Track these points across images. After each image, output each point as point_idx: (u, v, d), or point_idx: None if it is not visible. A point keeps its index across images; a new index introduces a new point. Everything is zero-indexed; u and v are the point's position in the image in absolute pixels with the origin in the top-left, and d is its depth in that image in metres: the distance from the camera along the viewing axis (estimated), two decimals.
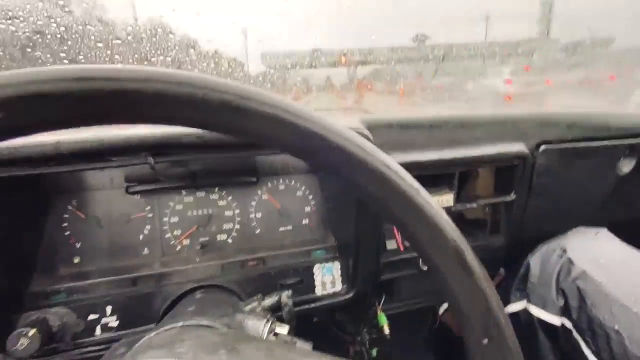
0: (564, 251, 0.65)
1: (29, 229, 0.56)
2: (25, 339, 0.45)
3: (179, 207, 0.65)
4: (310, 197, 0.73)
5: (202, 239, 0.66)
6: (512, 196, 0.76)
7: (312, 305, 0.64)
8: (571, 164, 0.80)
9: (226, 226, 0.68)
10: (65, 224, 0.59)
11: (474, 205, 0.73)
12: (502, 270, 0.91)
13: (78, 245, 0.60)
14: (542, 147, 0.76)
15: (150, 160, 0.45)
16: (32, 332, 0.46)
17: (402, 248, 0.69)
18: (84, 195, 0.60)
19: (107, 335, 0.53)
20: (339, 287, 0.67)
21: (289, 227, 0.71)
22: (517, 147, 0.74)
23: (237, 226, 0.68)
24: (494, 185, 0.80)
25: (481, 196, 0.76)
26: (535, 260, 0.70)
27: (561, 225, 0.81)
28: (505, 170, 0.77)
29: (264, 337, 0.39)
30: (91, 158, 0.45)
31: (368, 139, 0.56)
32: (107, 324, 0.53)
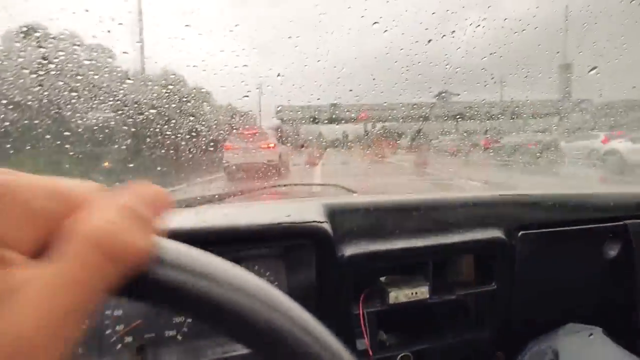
0: (556, 355, 0.58)
1: None
2: None
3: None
4: (276, 283, 0.67)
5: (147, 336, 0.59)
6: (493, 285, 0.71)
7: None
8: (554, 250, 0.76)
9: (176, 319, 0.61)
10: None
11: (452, 296, 0.67)
12: None
13: None
14: (521, 233, 0.73)
15: None
16: None
17: (371, 352, 0.61)
18: None
19: None
20: None
21: None
22: (493, 234, 0.70)
23: (190, 320, 0.61)
24: (468, 272, 0.75)
25: (460, 285, 0.71)
26: None
27: (551, 315, 0.74)
28: (485, 257, 0.72)
29: None
30: None
31: (321, 232, 0.53)
32: None
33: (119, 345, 0.58)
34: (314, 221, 0.53)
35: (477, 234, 0.69)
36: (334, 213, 0.61)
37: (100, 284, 0.19)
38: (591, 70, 1.36)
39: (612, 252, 0.83)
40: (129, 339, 0.58)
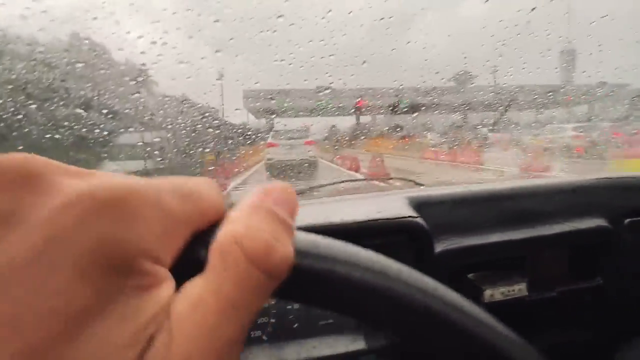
0: None
1: None
2: None
3: None
4: None
5: None
6: (599, 280, 0.63)
7: None
8: None
9: (260, 320, 0.60)
10: None
11: (553, 293, 0.61)
12: None
13: None
14: (628, 220, 0.64)
15: None
16: None
17: None
18: None
19: None
20: None
21: (331, 320, 0.62)
22: (597, 222, 0.63)
23: (273, 320, 0.60)
24: (568, 266, 0.67)
25: (559, 280, 0.64)
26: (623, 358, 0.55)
27: None
28: (586, 249, 0.65)
29: None
30: None
31: (419, 227, 0.49)
32: None
33: None
34: (409, 216, 0.49)
35: (578, 224, 0.62)
36: (419, 207, 0.56)
37: (259, 305, 0.16)
38: None
39: None
40: None
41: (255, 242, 0.16)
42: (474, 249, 0.56)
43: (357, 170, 6.20)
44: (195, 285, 0.15)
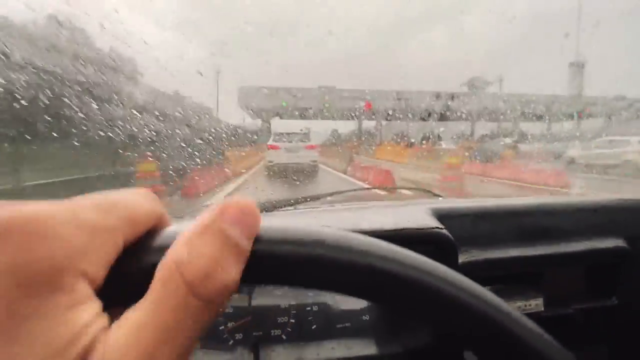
0: None
1: None
2: None
3: (234, 296, 0.62)
4: None
5: (254, 334, 0.61)
6: (614, 301, 0.64)
7: None
8: None
9: (280, 319, 0.62)
10: None
11: (570, 310, 0.62)
12: None
13: None
14: None
15: None
16: None
17: None
18: None
19: None
20: None
21: (347, 324, 0.64)
22: (615, 242, 0.63)
23: (292, 320, 0.63)
24: (585, 284, 0.68)
25: (575, 298, 0.65)
26: None
27: None
28: (603, 268, 0.66)
29: None
30: None
31: (444, 238, 0.51)
32: None
33: (231, 341, 0.60)
34: (435, 227, 0.51)
35: (596, 243, 0.63)
36: (441, 218, 0.58)
37: (197, 330, 0.16)
38: None
39: None
40: (239, 336, 0.61)
41: (195, 269, 0.16)
42: (494, 261, 0.57)
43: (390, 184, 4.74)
44: (135, 310, 0.15)
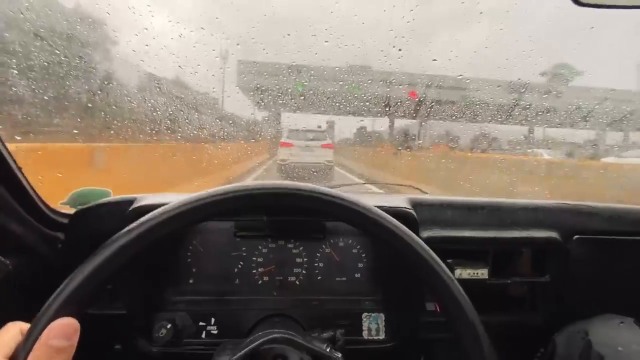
0: (586, 334, 0.71)
1: (167, 256, 0.81)
2: (164, 329, 0.67)
3: (265, 250, 0.87)
4: (364, 255, 0.90)
5: (277, 278, 0.85)
6: (547, 278, 0.85)
7: (359, 346, 0.77)
8: (609, 256, 0.87)
9: (296, 270, 0.87)
10: (188, 254, 0.84)
11: (508, 281, 0.83)
12: None
13: (194, 270, 0.84)
14: (576, 237, 0.85)
15: (265, 218, 0.68)
16: (168, 325, 0.68)
17: (438, 309, 0.80)
18: (204, 236, 0.85)
19: (209, 340, 0.73)
20: (382, 335, 0.80)
21: (344, 278, 0.88)
22: (550, 234, 0.84)
23: (304, 272, 0.87)
24: (524, 264, 0.89)
25: (517, 274, 0.86)
26: (560, 340, 0.75)
27: (598, 311, 0.85)
28: (542, 253, 0.86)
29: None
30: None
31: (410, 215, 0.74)
32: (210, 331, 0.74)
33: (260, 282, 0.85)
34: (405, 207, 0.74)
35: (534, 233, 0.84)
36: (415, 205, 0.81)
37: None
38: None
39: None
40: (266, 278, 0.86)
41: None
42: (451, 238, 0.80)
43: None
44: None
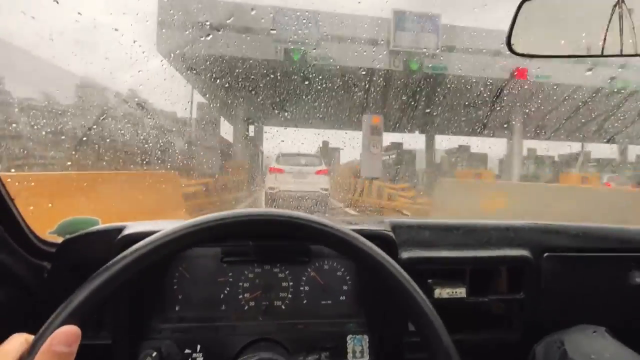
0: (562, 343, 0.75)
1: (153, 283, 0.82)
2: (150, 358, 0.67)
3: (251, 275, 0.88)
4: (348, 278, 0.92)
5: (263, 303, 0.87)
6: (522, 295, 0.89)
7: None
8: (578, 272, 0.92)
9: (282, 294, 0.89)
10: (174, 280, 0.85)
11: (485, 299, 0.87)
12: None
13: (180, 297, 0.85)
14: (546, 254, 0.90)
15: (250, 243, 0.71)
16: (154, 354, 0.68)
17: None
18: (190, 262, 0.87)
19: None
20: (366, 357, 0.81)
21: (329, 301, 0.90)
22: (522, 253, 0.89)
23: (290, 296, 0.89)
24: (499, 282, 0.93)
25: (493, 292, 0.90)
26: (539, 350, 0.79)
27: (572, 323, 0.89)
28: (516, 271, 0.91)
29: None
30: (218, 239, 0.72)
31: (389, 237, 0.78)
32: (196, 358, 0.74)
33: (246, 307, 0.86)
34: (384, 230, 0.79)
35: (507, 252, 0.89)
36: (395, 227, 0.85)
37: None
38: None
39: (638, 279, 0.95)
40: (252, 304, 0.87)
41: None
42: (430, 259, 0.84)
43: None
44: None
